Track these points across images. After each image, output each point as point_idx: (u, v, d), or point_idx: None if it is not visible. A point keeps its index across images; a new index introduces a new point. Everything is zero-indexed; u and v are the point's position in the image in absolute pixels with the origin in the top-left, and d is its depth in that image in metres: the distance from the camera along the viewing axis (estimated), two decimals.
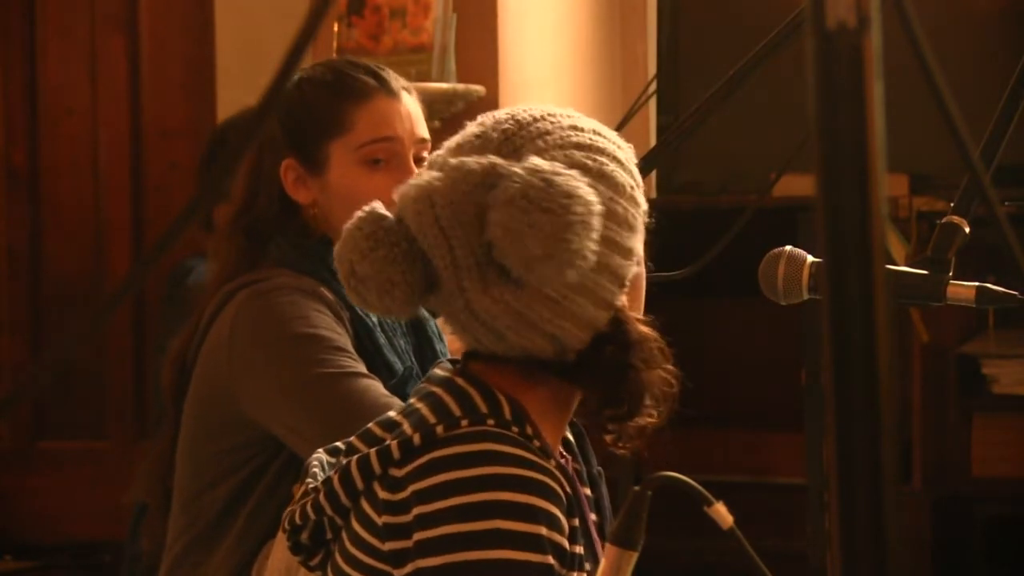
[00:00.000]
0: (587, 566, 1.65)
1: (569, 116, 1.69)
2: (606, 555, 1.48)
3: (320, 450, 1.73)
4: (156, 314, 4.78)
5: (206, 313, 2.33)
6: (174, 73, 5.22)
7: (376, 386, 2.20)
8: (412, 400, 1.70)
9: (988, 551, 4.44)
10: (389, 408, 2.11)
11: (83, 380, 5.17)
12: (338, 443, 1.73)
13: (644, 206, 1.68)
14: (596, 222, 1.57)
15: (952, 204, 1.95)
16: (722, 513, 1.43)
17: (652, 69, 4.98)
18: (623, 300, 1.66)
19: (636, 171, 1.70)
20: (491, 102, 4.14)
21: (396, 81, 2.39)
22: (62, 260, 5.28)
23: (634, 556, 1.47)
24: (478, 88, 4.14)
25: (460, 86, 4.09)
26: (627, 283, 1.65)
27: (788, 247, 1.94)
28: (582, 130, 1.67)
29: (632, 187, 1.67)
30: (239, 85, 4.79)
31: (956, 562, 4.46)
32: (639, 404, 1.67)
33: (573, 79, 4.87)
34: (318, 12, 0.80)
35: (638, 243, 1.67)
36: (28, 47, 5.26)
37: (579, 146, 1.65)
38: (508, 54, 4.42)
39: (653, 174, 4.35)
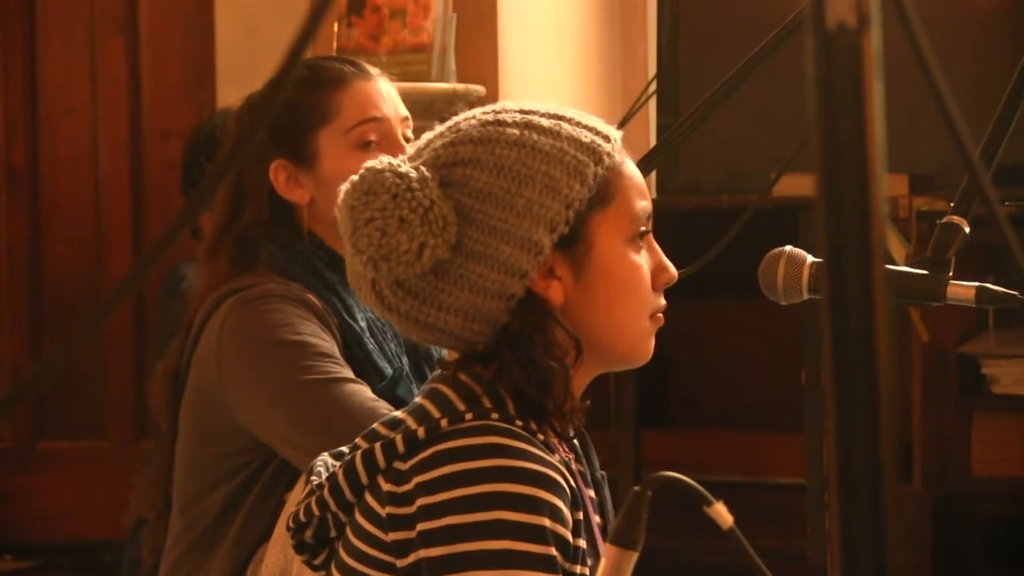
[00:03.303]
0: (589, 562, 1.65)
1: (508, 108, 1.72)
2: (606, 555, 1.48)
3: (325, 453, 1.73)
4: (155, 315, 4.78)
5: (196, 319, 2.33)
6: (174, 73, 5.22)
7: (362, 391, 2.19)
8: (417, 398, 1.70)
9: (988, 551, 4.43)
10: (376, 412, 2.12)
11: (83, 380, 5.16)
12: (343, 447, 1.73)
13: (574, 194, 1.65)
14: (407, 213, 1.62)
15: (952, 204, 1.95)
16: (722, 513, 1.43)
17: (652, 69, 4.98)
18: (549, 288, 1.66)
19: (579, 159, 1.67)
20: (491, 102, 4.13)
21: (370, 67, 2.40)
22: (62, 260, 5.28)
23: (634, 556, 1.47)
24: (478, 88, 4.14)
25: (460, 86, 4.09)
26: (526, 273, 1.64)
27: (788, 247, 1.94)
28: (492, 114, 1.70)
29: (551, 177, 1.65)
30: (239, 85, 4.78)
31: (956, 562, 4.46)
32: (555, 398, 1.64)
33: (573, 79, 4.87)
34: (318, 12, 0.80)
35: (545, 235, 1.64)
36: (28, 47, 5.25)
37: (460, 141, 1.69)
38: (508, 54, 4.42)
39: (653, 174, 4.35)
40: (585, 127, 1.70)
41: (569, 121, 1.70)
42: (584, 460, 1.80)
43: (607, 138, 1.70)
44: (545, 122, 1.69)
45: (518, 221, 1.64)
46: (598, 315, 1.69)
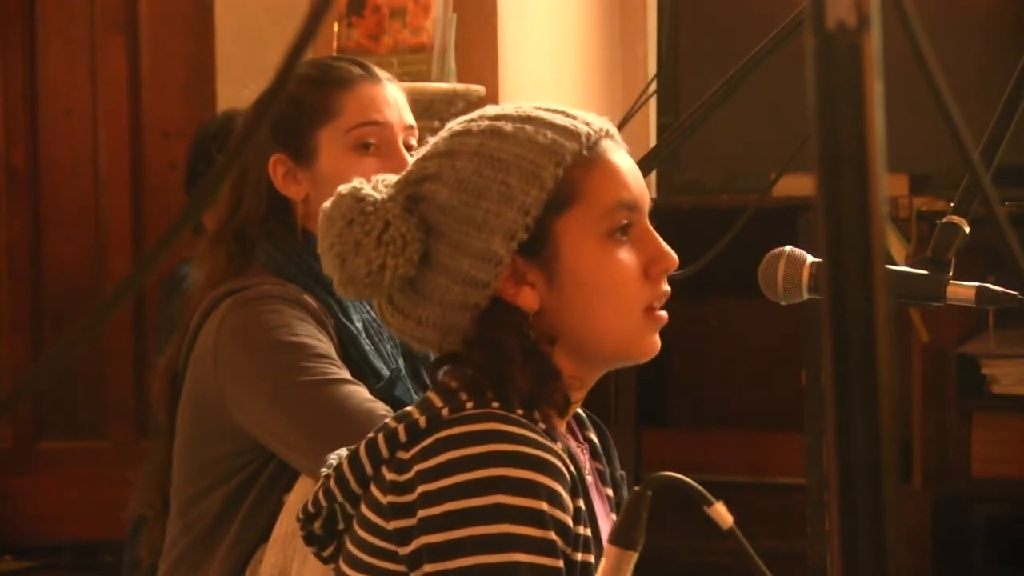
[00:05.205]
0: (594, 551, 1.65)
1: (485, 115, 1.71)
2: (606, 555, 1.48)
3: (344, 448, 1.74)
4: (155, 316, 4.78)
5: (194, 320, 2.33)
6: (174, 73, 5.22)
7: (359, 391, 2.19)
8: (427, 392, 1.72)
9: (988, 551, 4.44)
10: (373, 412, 2.13)
11: (83, 380, 5.17)
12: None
13: (531, 200, 1.64)
14: (361, 237, 1.65)
15: (952, 204, 1.95)
16: (722, 513, 1.43)
17: (652, 69, 4.98)
18: (519, 295, 1.66)
19: (536, 162, 1.65)
20: (491, 102, 4.13)
21: (379, 71, 2.41)
22: (62, 260, 5.28)
23: (634, 556, 1.47)
24: (478, 88, 4.14)
25: (460, 86, 4.09)
26: (487, 284, 1.64)
27: (788, 247, 1.94)
28: (468, 132, 1.69)
29: (507, 185, 1.64)
30: (239, 85, 4.79)
31: (956, 562, 4.46)
32: (525, 396, 1.64)
33: (573, 79, 4.87)
34: (318, 12, 0.80)
35: (502, 245, 1.64)
36: (28, 47, 5.26)
37: (429, 156, 1.70)
38: (508, 54, 4.42)
39: (653, 174, 4.35)
40: (551, 126, 1.67)
41: (535, 121, 1.67)
42: (604, 459, 1.80)
43: (575, 135, 1.66)
44: (509, 127, 1.67)
45: (477, 233, 1.64)
46: (577, 317, 1.67)
